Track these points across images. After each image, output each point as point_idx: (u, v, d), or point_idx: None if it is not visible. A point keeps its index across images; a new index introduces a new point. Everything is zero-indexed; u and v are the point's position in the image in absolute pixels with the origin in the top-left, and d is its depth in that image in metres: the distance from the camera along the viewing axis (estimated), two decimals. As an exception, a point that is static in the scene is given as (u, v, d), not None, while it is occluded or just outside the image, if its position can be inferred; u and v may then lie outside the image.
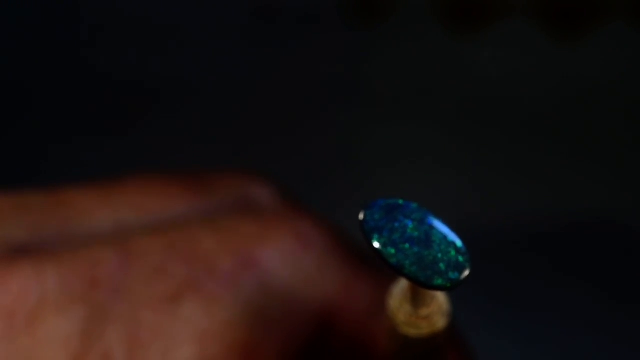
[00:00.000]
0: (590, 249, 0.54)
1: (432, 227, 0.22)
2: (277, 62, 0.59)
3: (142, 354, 0.26)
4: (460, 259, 0.22)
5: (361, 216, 0.22)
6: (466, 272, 0.22)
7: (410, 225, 0.22)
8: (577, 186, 0.56)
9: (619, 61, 0.59)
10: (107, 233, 0.28)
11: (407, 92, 0.58)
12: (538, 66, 0.59)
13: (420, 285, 0.22)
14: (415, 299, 0.24)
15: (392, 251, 0.22)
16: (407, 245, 0.22)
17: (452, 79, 0.59)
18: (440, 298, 0.24)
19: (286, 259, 0.28)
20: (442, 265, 0.22)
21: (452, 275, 0.22)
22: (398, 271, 0.22)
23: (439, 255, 0.22)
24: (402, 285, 0.24)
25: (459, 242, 0.22)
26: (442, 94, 0.58)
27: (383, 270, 0.29)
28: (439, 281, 0.22)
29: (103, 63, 0.59)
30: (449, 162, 0.56)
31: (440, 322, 0.24)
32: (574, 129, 0.57)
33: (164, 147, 0.56)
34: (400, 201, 0.22)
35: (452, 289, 0.22)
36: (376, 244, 0.22)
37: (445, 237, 0.22)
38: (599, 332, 0.51)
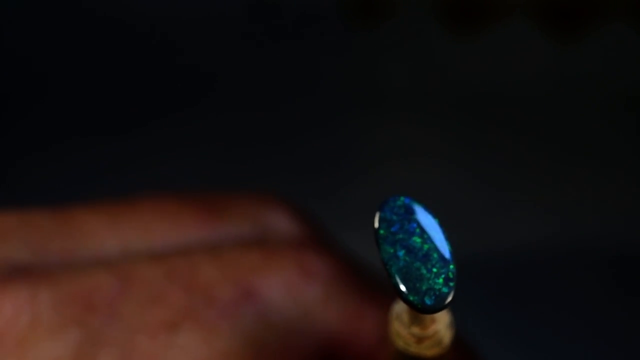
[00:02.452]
0: (590, 249, 0.54)
1: (435, 248, 0.22)
2: (276, 63, 0.59)
3: None
4: (445, 289, 0.21)
5: (382, 204, 0.22)
6: (443, 303, 0.21)
7: (418, 234, 0.22)
8: (578, 186, 0.56)
9: (619, 62, 0.59)
10: (112, 257, 0.27)
11: (408, 93, 0.58)
12: (538, 66, 0.59)
13: (395, 291, 0.21)
14: (416, 318, 0.23)
15: (389, 249, 0.21)
16: (403, 252, 0.21)
17: (452, 79, 0.59)
18: (443, 315, 0.24)
19: (287, 290, 0.27)
20: (424, 286, 0.21)
21: (428, 300, 0.21)
22: (384, 265, 0.21)
23: (427, 275, 0.21)
24: (401, 307, 0.24)
25: (452, 273, 0.21)
26: (442, 94, 0.58)
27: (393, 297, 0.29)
28: (413, 298, 0.21)
29: (107, 76, 0.59)
30: (449, 162, 0.56)
31: (445, 338, 0.23)
32: (574, 129, 0.57)
33: (167, 147, 0.56)
34: (425, 209, 0.22)
35: (421, 312, 0.21)
36: (380, 231, 0.21)
37: (442, 261, 0.21)
38: (598, 335, 0.51)
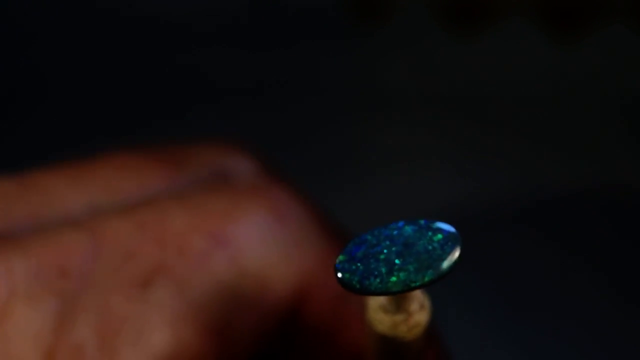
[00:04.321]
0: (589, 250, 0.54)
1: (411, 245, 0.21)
2: (276, 64, 0.60)
3: (113, 343, 0.26)
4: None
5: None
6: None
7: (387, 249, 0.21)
8: (578, 186, 0.56)
9: (619, 62, 0.59)
10: (79, 216, 0.27)
11: (408, 93, 0.58)
12: (538, 67, 0.59)
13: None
14: (392, 302, 0.23)
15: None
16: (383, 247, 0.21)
17: (452, 79, 0.59)
18: (418, 296, 0.23)
19: (260, 234, 0.27)
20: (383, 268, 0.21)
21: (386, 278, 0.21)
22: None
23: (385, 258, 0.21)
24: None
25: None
26: (442, 94, 0.58)
27: None
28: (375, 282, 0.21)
29: (108, 77, 0.59)
30: (449, 162, 0.56)
31: (422, 319, 0.23)
32: (574, 129, 0.57)
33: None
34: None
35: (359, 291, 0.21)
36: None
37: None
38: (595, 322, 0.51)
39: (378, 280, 0.21)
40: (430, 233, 0.21)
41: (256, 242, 0.26)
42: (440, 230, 0.21)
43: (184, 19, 0.60)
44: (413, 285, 0.21)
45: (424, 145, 0.57)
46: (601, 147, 0.57)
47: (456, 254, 0.21)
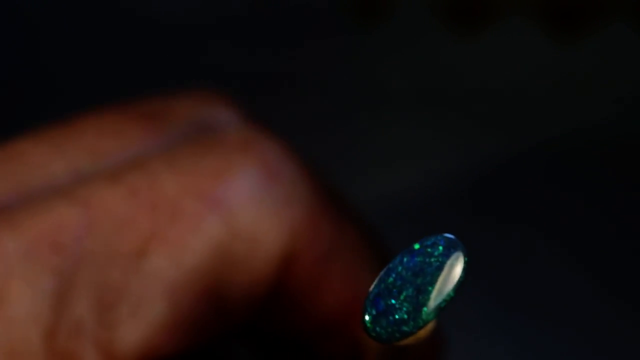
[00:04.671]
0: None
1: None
2: (275, 63, 0.59)
3: (112, 317, 0.25)
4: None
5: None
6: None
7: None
8: (580, 185, 0.56)
9: (619, 62, 0.59)
10: (65, 184, 0.26)
11: (408, 93, 0.58)
12: (539, 67, 0.59)
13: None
14: None
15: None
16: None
17: (452, 79, 0.59)
18: None
19: (252, 192, 0.26)
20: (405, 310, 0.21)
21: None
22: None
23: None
24: None
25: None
26: (442, 94, 0.58)
27: (348, 214, 0.28)
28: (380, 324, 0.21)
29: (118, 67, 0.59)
30: (449, 162, 0.56)
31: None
32: (574, 129, 0.57)
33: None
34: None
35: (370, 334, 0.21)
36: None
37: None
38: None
39: (411, 322, 0.21)
40: (429, 250, 0.21)
41: (248, 201, 0.26)
42: (435, 243, 0.21)
43: (183, 17, 0.60)
44: (443, 305, 0.21)
45: (423, 144, 0.57)
46: (601, 146, 0.57)
47: (460, 256, 0.21)
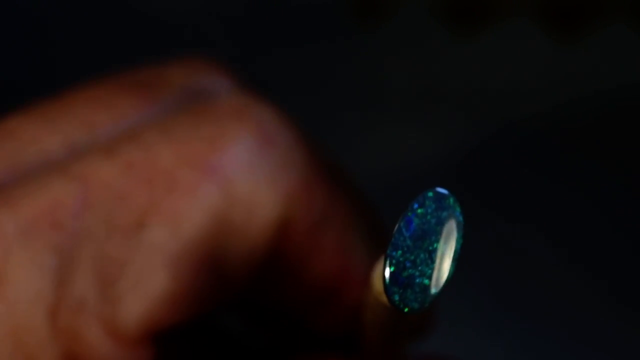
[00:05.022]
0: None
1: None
2: (276, 63, 0.60)
3: (114, 292, 0.25)
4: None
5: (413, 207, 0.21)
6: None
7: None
8: (579, 185, 0.56)
9: (619, 62, 0.59)
10: (60, 160, 0.25)
11: (408, 92, 0.58)
12: (539, 67, 0.59)
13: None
14: None
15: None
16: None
17: (452, 79, 0.59)
18: None
19: (248, 159, 0.26)
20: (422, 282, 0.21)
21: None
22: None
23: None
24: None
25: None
26: (442, 94, 0.58)
27: (341, 181, 0.28)
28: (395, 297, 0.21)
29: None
30: (449, 162, 0.56)
31: None
32: (574, 129, 0.57)
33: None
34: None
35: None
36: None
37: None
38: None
39: (435, 283, 0.21)
40: (421, 211, 0.21)
41: (244, 168, 0.26)
42: (424, 202, 0.21)
43: (183, 17, 0.60)
44: (457, 254, 0.21)
45: (423, 144, 0.57)
46: (601, 147, 0.57)
47: (451, 202, 0.21)
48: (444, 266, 0.21)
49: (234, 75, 0.28)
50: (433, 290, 0.21)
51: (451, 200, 0.21)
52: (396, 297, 0.21)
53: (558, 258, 0.53)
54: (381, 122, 0.58)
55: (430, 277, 0.21)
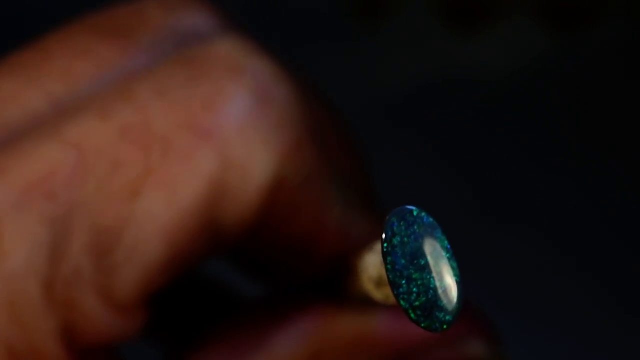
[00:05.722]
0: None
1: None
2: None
3: (109, 263, 0.24)
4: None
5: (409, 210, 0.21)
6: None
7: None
8: (580, 185, 0.56)
9: (619, 61, 0.59)
10: (44, 116, 0.25)
11: (408, 92, 0.58)
12: (539, 66, 0.59)
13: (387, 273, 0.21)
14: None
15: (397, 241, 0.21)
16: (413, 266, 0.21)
17: (452, 78, 0.59)
18: None
19: (243, 120, 0.25)
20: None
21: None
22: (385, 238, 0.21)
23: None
24: (374, 261, 0.22)
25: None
26: (442, 93, 0.58)
27: (327, 145, 0.27)
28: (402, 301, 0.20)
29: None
30: (449, 162, 0.56)
31: None
32: (574, 129, 0.57)
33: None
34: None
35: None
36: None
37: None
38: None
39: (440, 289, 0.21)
40: (396, 240, 0.21)
41: (239, 130, 0.25)
42: (391, 228, 0.21)
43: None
44: (450, 252, 0.21)
45: (423, 144, 0.57)
46: (601, 147, 0.57)
47: (414, 211, 0.21)
48: (444, 270, 0.21)
49: (218, 12, 0.27)
50: (454, 293, 0.21)
51: (414, 212, 0.21)
52: (425, 325, 0.20)
53: (553, 257, 0.53)
54: (380, 121, 0.58)
55: (435, 287, 0.20)
